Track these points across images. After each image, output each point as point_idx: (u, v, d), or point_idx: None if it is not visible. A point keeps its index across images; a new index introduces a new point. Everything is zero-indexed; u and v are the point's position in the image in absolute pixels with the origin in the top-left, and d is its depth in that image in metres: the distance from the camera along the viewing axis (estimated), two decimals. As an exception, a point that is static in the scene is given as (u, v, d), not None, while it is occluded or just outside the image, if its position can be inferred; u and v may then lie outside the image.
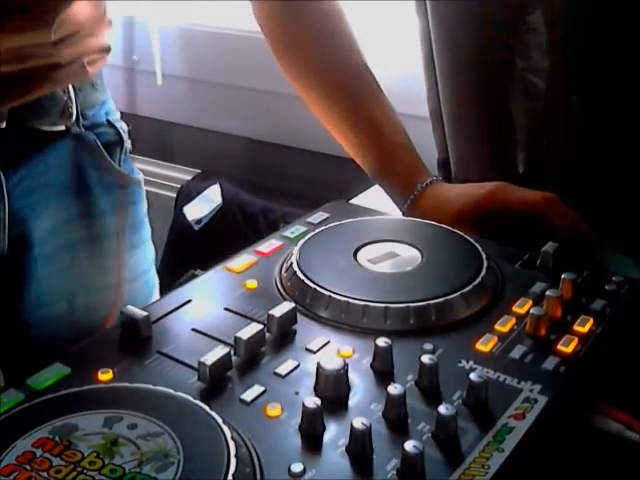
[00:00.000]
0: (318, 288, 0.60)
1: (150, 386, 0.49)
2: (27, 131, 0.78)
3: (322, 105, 0.86)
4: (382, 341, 0.53)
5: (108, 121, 0.87)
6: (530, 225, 0.73)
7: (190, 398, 0.48)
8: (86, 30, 0.75)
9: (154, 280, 0.95)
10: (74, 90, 0.80)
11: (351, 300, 0.58)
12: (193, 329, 0.57)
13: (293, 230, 0.71)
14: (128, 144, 0.89)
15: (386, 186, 0.84)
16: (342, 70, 0.85)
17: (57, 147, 0.81)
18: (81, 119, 0.82)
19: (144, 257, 0.92)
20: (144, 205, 0.92)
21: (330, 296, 0.59)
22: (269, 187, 1.71)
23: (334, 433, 0.47)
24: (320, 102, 0.86)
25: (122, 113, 0.92)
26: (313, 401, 0.47)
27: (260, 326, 0.54)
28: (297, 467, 0.44)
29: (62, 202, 0.82)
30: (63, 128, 0.81)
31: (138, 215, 0.90)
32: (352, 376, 0.51)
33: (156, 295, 0.95)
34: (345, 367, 0.50)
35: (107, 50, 0.80)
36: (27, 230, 0.80)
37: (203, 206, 1.73)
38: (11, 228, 0.79)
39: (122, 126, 0.89)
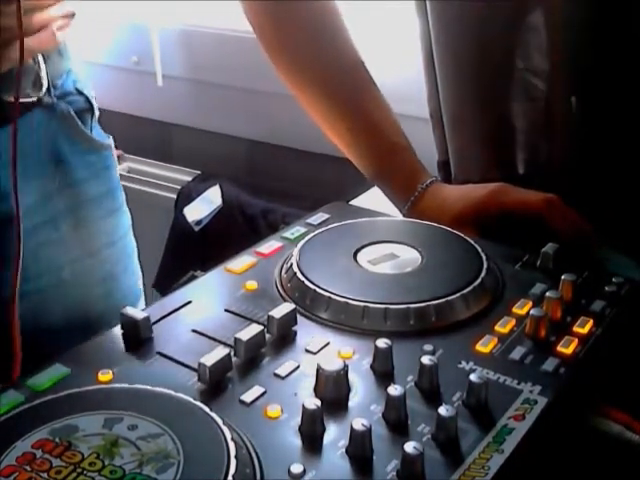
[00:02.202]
0: (318, 289, 0.60)
1: (150, 387, 0.49)
2: None
3: (317, 105, 0.86)
4: (382, 342, 0.53)
5: (77, 89, 0.87)
6: (531, 226, 0.72)
7: (190, 399, 0.48)
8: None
9: (132, 244, 0.95)
10: (43, 59, 0.80)
11: (351, 301, 0.58)
12: (193, 330, 0.57)
13: (293, 231, 0.71)
14: (97, 110, 0.89)
15: (385, 187, 0.84)
16: (337, 69, 0.85)
17: (30, 118, 0.80)
18: (52, 89, 0.82)
19: (121, 221, 0.92)
20: (117, 169, 0.92)
21: (330, 297, 0.59)
22: (269, 188, 1.71)
23: (334, 434, 0.47)
24: (315, 102, 0.86)
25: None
26: (313, 402, 0.47)
27: (260, 327, 0.54)
28: (297, 468, 0.44)
29: (40, 175, 0.82)
30: (35, 99, 0.81)
31: (112, 180, 0.91)
32: (352, 377, 0.51)
33: (135, 259, 0.96)
34: (345, 368, 0.50)
35: (72, 15, 0.80)
36: (7, 206, 0.79)
37: (203, 207, 1.73)
38: None
39: (90, 92, 0.89)
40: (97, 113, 0.90)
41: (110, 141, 0.91)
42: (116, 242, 0.91)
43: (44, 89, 0.81)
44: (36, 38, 0.75)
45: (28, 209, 0.81)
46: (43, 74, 0.80)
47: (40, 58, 0.80)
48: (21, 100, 0.78)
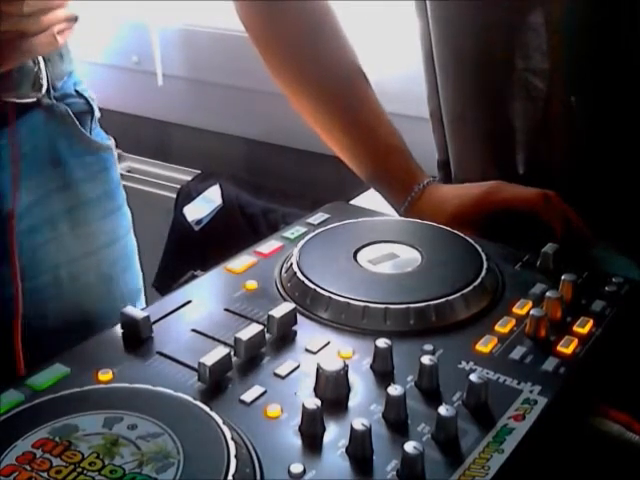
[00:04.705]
0: (318, 289, 0.60)
1: (150, 387, 0.49)
2: None
3: (309, 106, 0.85)
4: (382, 342, 0.53)
5: (77, 91, 0.87)
6: (526, 223, 0.72)
7: (190, 399, 0.48)
8: (54, 2, 0.75)
9: (132, 243, 0.95)
10: (44, 61, 0.80)
11: (351, 301, 0.58)
12: (193, 330, 0.57)
13: (293, 231, 0.71)
14: (97, 112, 0.90)
15: (381, 189, 0.84)
16: (331, 70, 0.84)
17: (29, 119, 0.81)
18: (51, 90, 0.83)
19: (120, 222, 0.93)
20: (117, 171, 0.92)
21: (330, 297, 0.59)
22: (269, 188, 1.71)
23: (334, 434, 0.47)
24: (307, 103, 0.85)
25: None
26: (313, 402, 0.47)
27: (260, 327, 0.54)
28: (297, 468, 0.44)
29: (39, 175, 0.83)
30: (34, 100, 0.81)
31: (112, 181, 0.91)
32: (352, 377, 0.51)
33: (135, 259, 0.96)
34: (345, 368, 0.50)
35: (74, 19, 0.80)
36: (5, 205, 0.80)
37: (203, 207, 1.72)
38: None
39: (90, 95, 0.89)
40: (97, 115, 0.90)
41: (110, 143, 0.91)
42: (115, 242, 0.91)
43: (43, 90, 0.81)
44: (35, 40, 0.75)
45: (26, 209, 0.81)
46: (43, 75, 0.80)
47: (40, 60, 0.80)
48: (20, 101, 0.79)
